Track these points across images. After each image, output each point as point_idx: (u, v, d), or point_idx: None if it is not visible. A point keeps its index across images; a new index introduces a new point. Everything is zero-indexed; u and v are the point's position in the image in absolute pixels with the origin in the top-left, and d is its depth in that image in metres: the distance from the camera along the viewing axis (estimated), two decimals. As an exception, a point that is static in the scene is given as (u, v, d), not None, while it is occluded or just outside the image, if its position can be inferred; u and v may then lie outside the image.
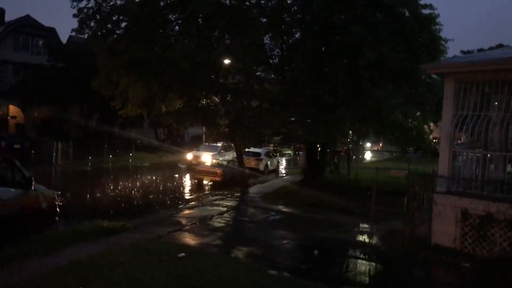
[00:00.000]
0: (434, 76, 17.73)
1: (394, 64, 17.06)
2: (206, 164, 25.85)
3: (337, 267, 10.31)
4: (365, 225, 12.90)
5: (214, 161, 25.73)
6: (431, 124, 27.01)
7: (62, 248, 10.15)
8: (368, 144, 47.72)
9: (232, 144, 29.56)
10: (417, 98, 20.49)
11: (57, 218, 12.58)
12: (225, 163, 24.76)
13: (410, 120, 23.42)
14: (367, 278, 9.57)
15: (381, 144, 47.96)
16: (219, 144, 32.32)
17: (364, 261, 10.71)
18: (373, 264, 10.54)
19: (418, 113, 23.09)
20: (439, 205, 10.84)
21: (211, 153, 30.94)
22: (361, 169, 25.36)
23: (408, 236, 11.31)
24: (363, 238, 12.37)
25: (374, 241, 11.96)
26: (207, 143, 35.79)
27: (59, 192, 13.20)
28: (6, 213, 10.58)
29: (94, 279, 8.15)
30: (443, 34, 20.07)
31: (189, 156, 32.96)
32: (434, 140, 36.48)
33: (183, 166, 31.87)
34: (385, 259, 10.84)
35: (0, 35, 40.40)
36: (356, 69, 17.52)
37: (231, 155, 29.93)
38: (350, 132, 27.22)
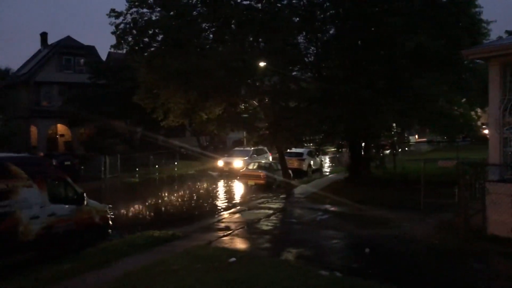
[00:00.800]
0: (478, 60, 17.10)
1: (433, 52, 16.58)
2: (249, 167, 25.80)
3: (390, 264, 10.10)
4: (416, 219, 12.56)
5: (254, 165, 25.62)
6: (479, 110, 26.05)
7: (117, 259, 10.48)
8: (413, 137, 46.48)
9: (264, 148, 29.81)
10: (461, 84, 19.82)
11: (110, 230, 12.98)
12: (267, 165, 24.78)
13: (455, 108, 22.68)
14: (422, 274, 9.33)
15: (426, 134, 46.68)
16: (251, 148, 31.87)
17: (417, 256, 10.44)
18: (427, 258, 10.26)
19: (464, 100, 22.34)
20: (493, 194, 10.45)
21: (243, 158, 30.48)
22: (407, 162, 24.78)
23: (462, 227, 10.95)
24: (414, 232, 12.04)
25: (426, 235, 11.62)
26: (237, 148, 35.33)
27: (111, 206, 13.61)
28: (62, 228, 11.03)
29: (149, 289, 8.37)
30: (484, 16, 19.36)
31: (220, 162, 31.86)
32: (483, 126, 35.18)
33: (214, 174, 31.02)
34: (439, 252, 10.53)
35: (44, 58, 42.27)
36: (394, 60, 17.15)
37: (263, 159, 29.85)
38: (394, 124, 26.64)
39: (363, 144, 23.13)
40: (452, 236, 11.13)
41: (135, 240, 12.14)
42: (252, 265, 9.55)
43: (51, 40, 47.19)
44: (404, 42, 16.55)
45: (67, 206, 11.41)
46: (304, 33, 21.25)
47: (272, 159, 30.07)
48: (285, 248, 11.71)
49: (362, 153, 23.28)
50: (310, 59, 22.23)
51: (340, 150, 27.18)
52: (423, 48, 16.57)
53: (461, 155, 17.92)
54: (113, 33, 19.21)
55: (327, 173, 30.12)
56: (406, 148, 41.40)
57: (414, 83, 18.67)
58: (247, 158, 30.63)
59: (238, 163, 29.85)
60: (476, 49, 13.17)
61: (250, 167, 25.37)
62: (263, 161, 27.48)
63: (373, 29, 19.52)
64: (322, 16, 20.41)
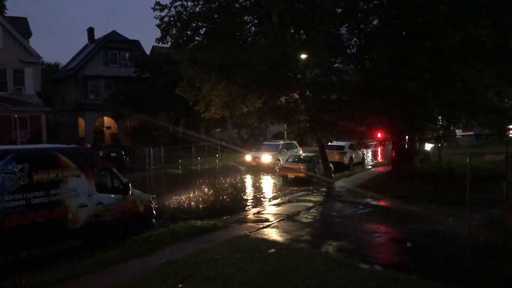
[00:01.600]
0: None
1: (483, 42, 15.93)
2: (288, 160, 25.78)
3: (432, 260, 9.89)
4: (461, 215, 12.19)
5: (294, 158, 25.55)
6: (531, 103, 24.88)
7: (161, 248, 10.81)
8: (459, 130, 44.93)
9: (294, 142, 29.61)
10: (511, 75, 18.97)
11: (154, 220, 13.36)
12: (308, 158, 24.67)
13: (506, 100, 21.74)
14: (466, 271, 9.09)
15: (473, 128, 45.05)
16: (280, 143, 31.43)
17: (461, 253, 10.17)
18: (472, 255, 9.98)
19: (515, 92, 21.38)
20: (544, 189, 10.00)
21: (272, 153, 29.70)
22: (453, 156, 24.06)
23: (509, 223, 10.55)
24: (459, 228, 11.70)
25: (471, 231, 11.27)
26: (266, 142, 34.47)
27: (155, 196, 13.98)
28: (109, 217, 11.46)
29: (190, 276, 8.60)
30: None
31: (248, 157, 30.79)
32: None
33: (242, 168, 30.32)
34: (485, 250, 10.21)
35: (91, 52, 43.69)
36: (440, 51, 16.60)
37: (294, 153, 29.15)
38: (440, 117, 25.84)
39: (407, 137, 22.59)
40: (499, 233, 10.74)
41: (177, 229, 12.43)
42: (291, 257, 9.59)
43: (97, 35, 48.76)
44: (452, 32, 15.98)
45: (113, 195, 11.83)
46: (346, 25, 20.91)
47: (303, 153, 29.63)
48: (325, 240, 11.69)
49: (406, 146, 22.75)
50: (352, 50, 21.86)
51: (383, 143, 26.57)
52: (472, 38, 15.95)
53: (511, 150, 17.18)
54: (157, 26, 19.61)
55: (369, 167, 29.67)
56: (453, 142, 40.16)
57: (462, 75, 18.03)
58: (276, 152, 29.83)
59: (266, 157, 29.04)
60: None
61: (290, 160, 25.34)
62: (303, 154, 27.39)
63: (418, 19, 18.96)
64: (365, 7, 19.99)
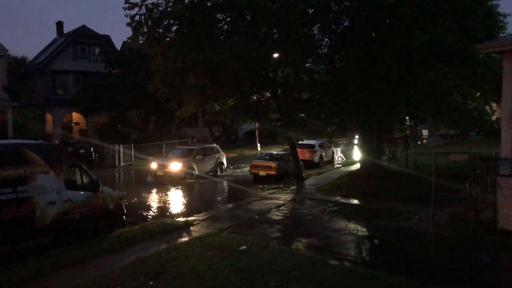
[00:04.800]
0: (493, 54, 16.94)
1: (448, 44, 16.47)
2: (259, 158, 25.50)
3: (398, 256, 10.22)
4: (426, 212, 12.59)
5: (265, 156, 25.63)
6: (493, 105, 25.80)
7: (131, 246, 10.77)
8: (426, 130, 46.14)
9: (217, 146, 28.26)
10: (475, 78, 19.65)
11: (124, 217, 13.26)
12: (279, 156, 24.88)
13: (469, 102, 22.49)
14: (430, 266, 9.43)
15: (439, 128, 46.33)
16: (195, 147, 26.26)
17: (426, 249, 10.52)
18: (436, 251, 10.34)
19: (478, 94, 22.13)
20: (504, 188, 10.46)
21: (184, 160, 23.93)
22: (419, 155, 24.71)
23: (472, 221, 10.99)
24: (424, 225, 12.09)
25: (436, 228, 11.66)
26: (179, 147, 28.43)
27: (125, 193, 13.87)
28: (78, 214, 11.33)
29: (162, 274, 8.62)
30: (501, 9, 19.12)
31: (154, 165, 24.27)
32: (496, 121, 34.80)
33: (149, 180, 23.75)
34: (448, 245, 10.60)
35: (60, 47, 42.80)
36: (408, 53, 17.06)
37: (213, 161, 25.95)
38: (407, 117, 26.50)
39: (375, 137, 23.10)
40: (461, 229, 11.16)
41: (148, 227, 12.39)
42: (262, 254, 9.72)
43: (66, 29, 47.79)
44: (419, 35, 16.45)
45: (82, 192, 11.69)
46: (318, 25, 21.20)
47: (274, 151, 29.06)
48: (295, 237, 11.89)
49: (374, 146, 23.27)
50: (323, 51, 22.19)
51: (352, 142, 27.09)
52: (438, 41, 16.45)
53: (474, 150, 17.82)
54: (128, 24, 19.34)
55: (339, 165, 30.14)
56: (419, 142, 41.20)
57: (428, 76, 18.59)
58: (189, 159, 24.21)
59: (175, 166, 23.21)
60: (491, 42, 13.07)
61: (261, 157, 25.45)
62: (274, 152, 27.57)
63: (387, 21, 19.42)
64: (336, 7, 20.33)
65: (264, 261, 9.17)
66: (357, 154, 28.58)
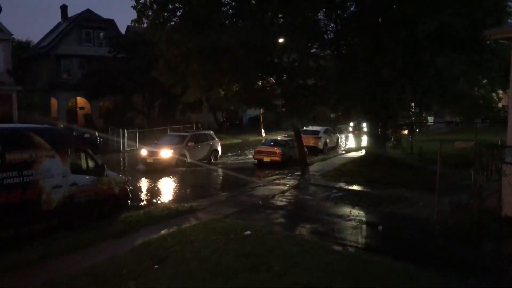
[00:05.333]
0: (501, 40, 16.75)
1: (456, 31, 16.28)
2: (262, 145, 25.22)
3: (402, 242, 10.25)
4: (430, 199, 12.58)
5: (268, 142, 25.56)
6: (500, 92, 25.61)
7: (136, 230, 10.84)
8: (431, 117, 45.93)
9: (211, 132, 27.37)
10: (482, 65, 19.48)
11: (129, 202, 13.33)
12: (283, 142, 24.85)
13: (476, 89, 22.32)
14: (433, 253, 9.45)
15: (445, 115, 46.09)
16: (188, 133, 25.26)
17: (430, 236, 10.54)
18: (440, 238, 10.35)
19: (485, 81, 21.97)
20: (510, 175, 10.41)
21: (175, 146, 22.92)
22: (424, 142, 24.64)
23: (476, 208, 10.96)
24: (429, 212, 12.08)
25: (440, 215, 11.66)
26: (172, 133, 27.30)
27: (130, 177, 13.91)
28: (83, 198, 11.38)
29: (166, 258, 8.67)
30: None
31: (143, 152, 23.22)
32: (503, 108, 34.52)
33: (140, 167, 22.82)
34: (452, 233, 10.59)
35: (64, 31, 42.63)
36: (415, 40, 16.90)
37: (207, 148, 24.87)
38: (412, 104, 26.37)
39: (380, 124, 23.03)
40: (466, 217, 11.13)
41: (153, 212, 12.47)
42: (266, 239, 9.77)
43: (71, 13, 47.53)
44: (427, 21, 16.26)
45: (87, 177, 11.72)
46: (324, 10, 21.00)
47: (279, 137, 28.69)
48: (299, 223, 11.92)
49: (379, 132, 23.20)
50: (329, 36, 22.04)
51: (357, 129, 27.03)
52: (446, 27, 16.28)
53: (480, 137, 17.75)
54: (133, 7, 19.26)
55: (343, 152, 30.11)
56: (424, 129, 41.06)
57: (435, 63, 18.44)
58: (180, 146, 23.23)
59: (166, 153, 22.26)
60: (499, 29, 12.91)
61: (266, 143, 25.42)
62: (279, 138, 27.52)
63: (394, 6, 19.22)
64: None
65: (268, 246, 9.21)
66: (361, 140, 28.49)
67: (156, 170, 21.31)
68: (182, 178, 20.04)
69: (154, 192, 16.98)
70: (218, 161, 25.56)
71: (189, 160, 23.14)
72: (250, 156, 26.51)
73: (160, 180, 19.31)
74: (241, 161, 26.63)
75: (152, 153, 22.57)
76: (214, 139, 26.06)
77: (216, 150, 25.86)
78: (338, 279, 7.59)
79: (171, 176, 20.21)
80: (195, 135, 25.20)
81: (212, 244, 9.37)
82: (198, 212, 12.77)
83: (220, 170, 22.96)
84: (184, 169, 22.21)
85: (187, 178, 20.21)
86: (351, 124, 38.79)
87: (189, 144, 23.68)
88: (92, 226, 10.97)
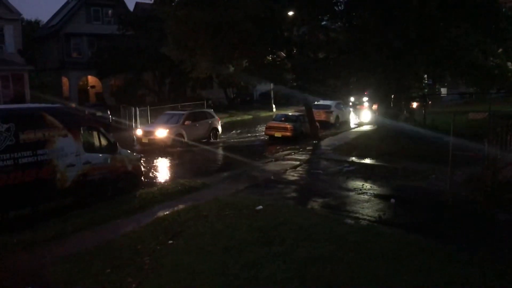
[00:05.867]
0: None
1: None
2: (273, 121, 24.53)
3: (415, 215, 10.24)
4: (443, 172, 12.51)
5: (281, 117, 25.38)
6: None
7: (150, 206, 10.99)
8: (444, 88, 45.22)
9: (210, 110, 25.51)
10: (497, 34, 19.01)
11: (142, 179, 13.47)
12: (295, 118, 24.71)
13: (491, 59, 21.84)
14: (447, 225, 9.45)
15: (458, 86, 45.36)
16: (184, 112, 24.00)
17: (443, 208, 10.51)
18: (453, 210, 10.33)
19: (500, 50, 21.48)
20: (524, 146, 10.28)
21: (171, 126, 22.16)
22: (438, 114, 24.34)
23: (489, 180, 10.88)
24: (442, 185, 12.03)
25: (453, 188, 11.60)
26: (168, 112, 25.59)
27: (142, 155, 14.01)
28: (97, 176, 11.54)
29: (180, 233, 8.81)
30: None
31: (139, 131, 22.81)
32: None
33: (135, 147, 21.79)
34: (465, 205, 10.57)
35: (73, 9, 42.39)
36: (427, 9, 16.50)
37: (206, 127, 23.82)
38: (425, 76, 25.96)
39: (392, 96, 22.76)
40: (479, 189, 11.09)
41: (166, 188, 12.62)
42: (278, 213, 9.85)
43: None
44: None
45: (101, 155, 11.86)
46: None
47: (290, 112, 28.23)
48: (311, 197, 11.98)
49: (391, 105, 22.96)
50: (340, 7, 21.61)
51: (369, 102, 26.74)
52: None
53: (494, 108, 17.45)
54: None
55: (355, 126, 29.91)
56: (437, 100, 40.46)
57: (449, 33, 18.05)
58: (177, 125, 22.39)
59: (161, 132, 21.55)
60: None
61: (277, 119, 25.28)
62: (290, 113, 27.39)
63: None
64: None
65: (280, 220, 9.29)
66: (374, 114, 28.22)
67: (152, 150, 20.61)
68: (183, 157, 19.64)
69: (162, 170, 17.13)
70: (218, 140, 24.59)
71: (186, 140, 22.25)
72: (258, 134, 26.26)
73: (161, 159, 19.16)
74: (236, 141, 25.22)
75: (147, 133, 21.98)
76: (213, 117, 24.99)
77: (216, 129, 24.76)
78: (350, 252, 7.65)
79: (170, 156, 19.66)
80: (192, 113, 24.14)
81: (225, 219, 9.48)
82: (211, 188, 12.87)
83: (217, 150, 21.98)
84: (180, 149, 21.43)
85: (188, 157, 19.83)
86: (351, 99, 38.13)
87: (186, 123, 22.79)
88: (107, 204, 11.15)
